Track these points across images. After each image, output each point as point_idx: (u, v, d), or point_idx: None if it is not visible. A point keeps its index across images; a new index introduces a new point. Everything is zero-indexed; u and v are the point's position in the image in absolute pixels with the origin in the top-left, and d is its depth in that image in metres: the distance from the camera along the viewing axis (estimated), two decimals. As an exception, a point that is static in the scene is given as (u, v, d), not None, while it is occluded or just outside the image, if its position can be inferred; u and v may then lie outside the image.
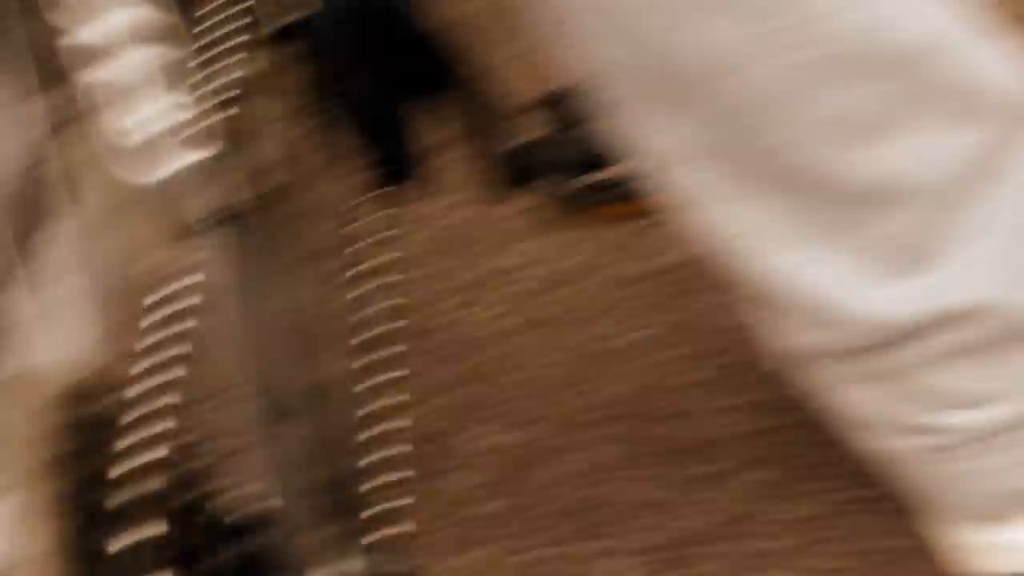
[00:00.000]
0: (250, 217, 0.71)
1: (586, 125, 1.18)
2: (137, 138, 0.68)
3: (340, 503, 0.67)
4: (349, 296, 0.89)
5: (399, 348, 1.01)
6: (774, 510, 1.35)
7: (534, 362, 1.54)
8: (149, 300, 0.69)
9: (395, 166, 1.02)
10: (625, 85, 1.04)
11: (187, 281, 0.70)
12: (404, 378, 0.98)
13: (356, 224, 1.00)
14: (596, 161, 1.19)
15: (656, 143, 1.05)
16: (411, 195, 1.07)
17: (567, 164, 1.19)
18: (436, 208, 1.65)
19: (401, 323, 1.01)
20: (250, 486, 0.66)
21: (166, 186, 0.68)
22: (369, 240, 1.02)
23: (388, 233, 1.05)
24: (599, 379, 1.53)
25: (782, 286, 1.08)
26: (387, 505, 0.79)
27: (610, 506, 1.38)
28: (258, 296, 0.69)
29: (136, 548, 0.59)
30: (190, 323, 0.69)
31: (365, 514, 0.72)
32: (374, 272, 1.01)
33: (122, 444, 0.62)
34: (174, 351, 0.69)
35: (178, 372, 0.68)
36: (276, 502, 0.64)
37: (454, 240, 1.68)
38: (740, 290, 1.15)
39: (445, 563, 1.34)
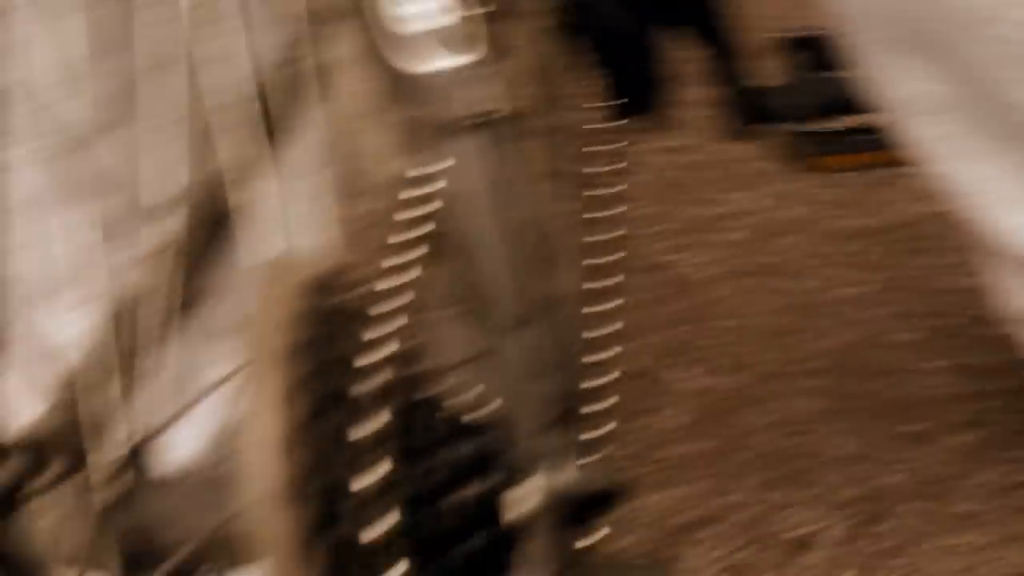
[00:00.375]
0: (501, 127, 0.69)
1: (828, 71, 1.14)
2: (407, 29, 0.67)
3: (559, 417, 0.66)
4: (578, 220, 0.87)
5: (618, 279, 0.99)
6: (977, 474, 1.31)
7: (744, 310, 1.52)
8: (396, 198, 0.68)
9: (634, 97, 1.00)
10: (876, 31, 1.00)
11: (435, 181, 0.69)
12: (621, 309, 0.96)
13: (591, 150, 0.98)
14: (834, 109, 1.16)
15: (900, 93, 1.01)
16: (645, 128, 1.05)
17: (803, 110, 1.15)
18: (662, 148, 1.64)
19: (622, 255, 1.00)
20: (476, 390, 0.65)
21: (428, 82, 0.67)
22: (601, 168, 1.01)
23: (618, 165, 1.03)
24: (808, 331, 1.50)
25: (1015, 245, 1.03)
26: (599, 430, 0.78)
27: (810, 457, 1.35)
28: (501, 204, 0.68)
29: (363, 439, 0.58)
30: (435, 224, 0.68)
31: (580, 432, 0.71)
32: (602, 201, 1.00)
33: (362, 336, 0.62)
34: (416, 251, 0.68)
35: (418, 272, 0.67)
36: (500, 408, 0.63)
37: (675, 182, 1.66)
38: (971, 249, 1.10)
39: (643, 499, 1.33)
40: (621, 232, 1.00)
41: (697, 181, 1.65)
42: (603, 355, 0.86)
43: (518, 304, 0.64)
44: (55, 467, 0.63)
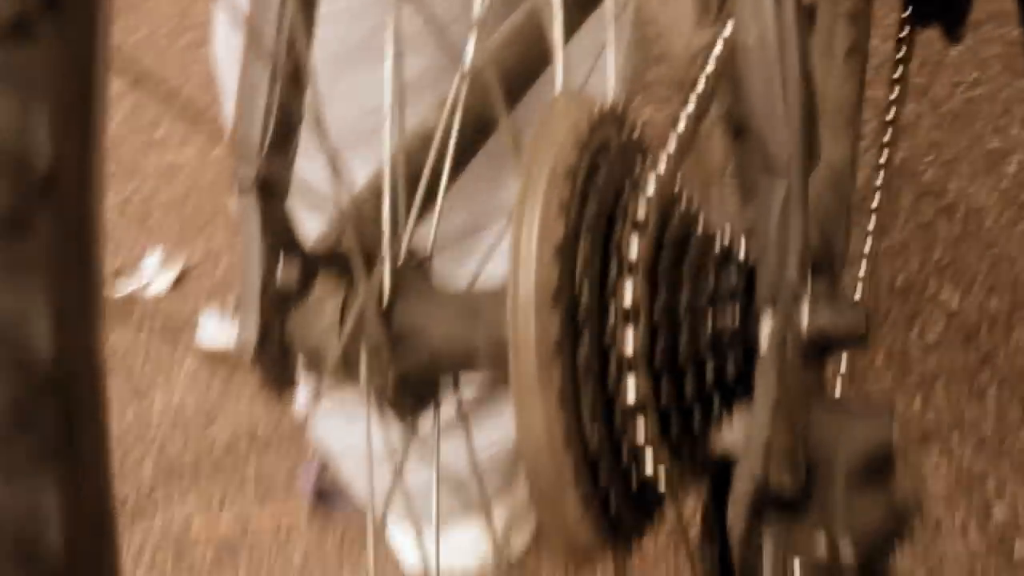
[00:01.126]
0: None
1: None
2: None
3: (815, 262, 0.65)
4: (858, 100, 0.85)
5: (885, 180, 0.97)
6: None
7: (1007, 240, 1.48)
8: (683, 49, 0.68)
9: (940, 10, 0.97)
10: None
11: (723, 33, 0.68)
12: (880, 210, 0.95)
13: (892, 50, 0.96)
14: None
15: None
16: (942, 44, 1.02)
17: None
18: (947, 81, 1.61)
19: (886, 159, 0.98)
20: (740, 226, 0.65)
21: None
22: (893, 73, 0.99)
23: (900, 72, 1.01)
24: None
25: None
26: (851, 280, 0.77)
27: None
28: (785, 58, 0.67)
29: (626, 258, 0.59)
30: (716, 75, 0.68)
31: (833, 279, 0.70)
32: (889, 103, 0.98)
33: (636, 167, 0.62)
34: (698, 98, 0.68)
35: (697, 119, 0.67)
36: (760, 244, 0.63)
37: (956, 114, 1.62)
38: None
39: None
40: (893, 137, 0.98)
41: (976, 115, 1.61)
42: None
43: (788, 148, 0.64)
44: (334, 276, 0.65)
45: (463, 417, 0.72)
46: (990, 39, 1.21)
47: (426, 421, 0.68)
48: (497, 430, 1.23)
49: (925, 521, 1.25)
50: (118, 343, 1.79)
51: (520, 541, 1.40)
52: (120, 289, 1.87)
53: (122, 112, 2.16)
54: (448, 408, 0.70)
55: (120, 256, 1.92)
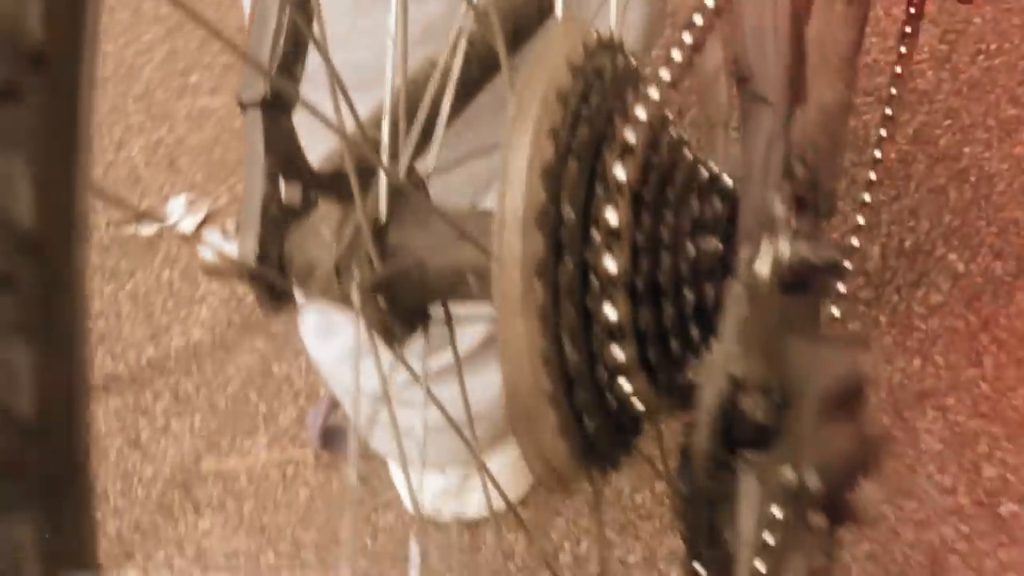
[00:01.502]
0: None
1: None
2: None
3: (799, 194, 0.65)
4: (856, 46, 0.86)
5: (889, 134, 0.97)
6: None
7: (1015, 207, 1.48)
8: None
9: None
10: None
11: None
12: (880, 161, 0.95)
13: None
14: None
15: None
16: (965, 12, 1.02)
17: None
18: (968, 50, 1.60)
19: (891, 112, 0.98)
20: (727, 157, 0.66)
21: None
22: (903, 29, 0.99)
23: (909, 29, 1.01)
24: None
25: None
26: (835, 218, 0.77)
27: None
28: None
29: (613, 181, 0.59)
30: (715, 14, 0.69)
31: (816, 213, 0.71)
32: (898, 58, 0.98)
33: (628, 95, 0.63)
34: (696, 32, 0.68)
35: (693, 52, 0.67)
36: (745, 175, 0.63)
37: (975, 82, 1.61)
38: None
39: (890, 364, 1.32)
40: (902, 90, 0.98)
41: (994, 83, 1.60)
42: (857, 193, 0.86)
43: (777, 83, 0.64)
44: (335, 198, 0.65)
45: (457, 359, 0.72)
46: (1012, 9, 1.21)
47: (430, 363, 0.68)
48: (497, 380, 1.23)
49: (914, 478, 1.26)
50: (140, 284, 1.81)
51: (518, 489, 1.41)
52: (144, 230, 1.89)
53: (157, 58, 2.17)
54: (448, 354, 0.71)
55: (146, 198, 1.93)
